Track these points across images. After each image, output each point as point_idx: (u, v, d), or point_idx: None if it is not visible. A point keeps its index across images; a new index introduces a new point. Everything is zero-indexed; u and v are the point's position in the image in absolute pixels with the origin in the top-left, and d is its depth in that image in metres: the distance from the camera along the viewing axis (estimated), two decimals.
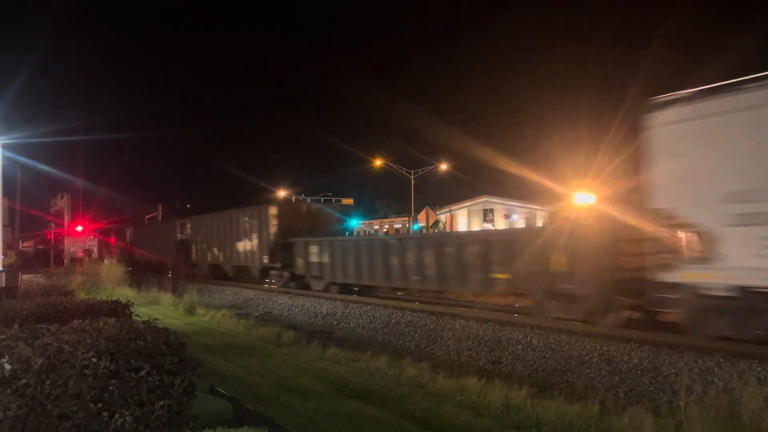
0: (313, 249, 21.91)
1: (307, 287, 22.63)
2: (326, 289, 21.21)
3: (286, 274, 24.08)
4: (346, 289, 21.33)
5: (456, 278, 16.05)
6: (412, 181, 44.50)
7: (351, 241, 21.67)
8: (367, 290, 21.16)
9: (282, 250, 24.12)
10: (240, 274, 28.53)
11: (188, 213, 60.03)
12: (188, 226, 34.09)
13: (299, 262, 22.78)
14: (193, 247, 33.15)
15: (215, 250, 30.42)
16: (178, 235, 34.75)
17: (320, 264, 21.55)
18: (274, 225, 24.78)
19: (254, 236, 26.10)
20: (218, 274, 30.82)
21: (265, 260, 25.17)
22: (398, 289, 20.27)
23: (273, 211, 25.13)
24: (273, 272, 25.15)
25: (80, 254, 52.70)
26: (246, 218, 27.02)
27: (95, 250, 52.32)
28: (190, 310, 19.46)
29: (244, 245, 27.06)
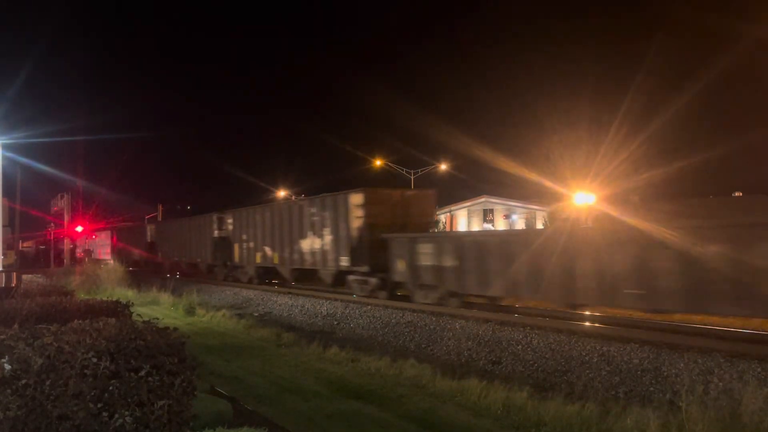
0: (426, 248, 16.79)
1: (405, 298, 18.05)
2: (441, 302, 16.28)
3: (373, 280, 18.82)
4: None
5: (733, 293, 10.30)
6: (412, 181, 44.51)
7: (506, 237, 16.21)
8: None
9: (369, 249, 18.69)
10: (302, 278, 23.86)
11: (188, 214, 59.79)
12: (229, 221, 28.65)
13: (399, 265, 17.64)
14: (236, 246, 27.73)
15: (267, 249, 24.99)
16: (215, 232, 29.53)
17: (437, 269, 16.37)
18: (358, 217, 19.18)
19: (326, 232, 20.81)
20: (269, 279, 26.23)
21: (344, 262, 19.76)
22: (580, 305, 13.81)
23: (357, 199, 19.30)
24: (352, 277, 19.75)
25: (80, 254, 52.59)
26: (314, 210, 21.62)
27: (108, 250, 51.60)
28: (190, 311, 19.47)
29: (311, 243, 21.68)
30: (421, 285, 17.08)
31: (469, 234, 18.85)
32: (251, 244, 26.31)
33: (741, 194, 34.62)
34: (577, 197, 28.02)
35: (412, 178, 44.42)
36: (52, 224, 53.80)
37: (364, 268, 19.00)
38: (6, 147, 23.44)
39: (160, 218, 58.17)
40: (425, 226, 19.78)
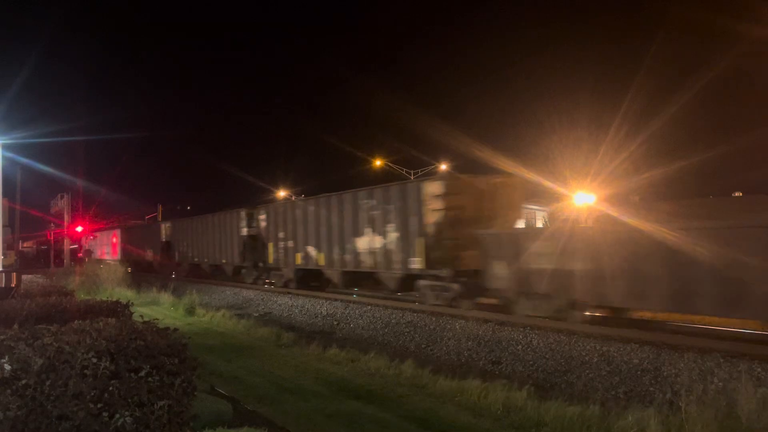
0: (541, 247, 13.42)
1: (498, 309, 14.83)
2: (557, 316, 13.01)
3: (455, 286, 15.65)
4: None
5: None
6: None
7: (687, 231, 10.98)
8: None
9: (450, 248, 15.90)
10: (356, 283, 20.89)
11: (187, 214, 59.50)
12: (261, 217, 25.48)
13: (497, 268, 14.44)
14: (270, 246, 24.64)
15: (310, 249, 21.83)
16: (244, 230, 26.56)
17: (558, 274, 12.95)
18: (435, 210, 16.08)
19: (391, 228, 17.77)
20: (311, 282, 22.79)
21: (415, 264, 16.64)
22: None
23: (434, 188, 16.28)
24: (425, 283, 16.53)
25: (79, 254, 52.57)
26: (374, 202, 18.46)
27: (107, 250, 49.88)
28: (190, 311, 19.48)
29: (370, 242, 18.60)
30: (529, 293, 13.68)
31: (616, 226, 13.89)
32: (290, 244, 23.04)
33: (741, 194, 34.66)
34: (576, 197, 28.02)
35: (412, 177, 44.43)
36: (52, 224, 53.81)
37: (443, 272, 15.83)
38: (6, 147, 23.47)
39: (159, 218, 57.56)
40: (512, 221, 16.56)
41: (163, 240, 37.01)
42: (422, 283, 16.75)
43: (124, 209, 65.73)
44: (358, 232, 19.07)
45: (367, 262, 18.76)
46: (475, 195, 16.33)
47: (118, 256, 47.98)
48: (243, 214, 26.75)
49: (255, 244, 25.78)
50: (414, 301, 17.55)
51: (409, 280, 17.41)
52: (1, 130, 23.20)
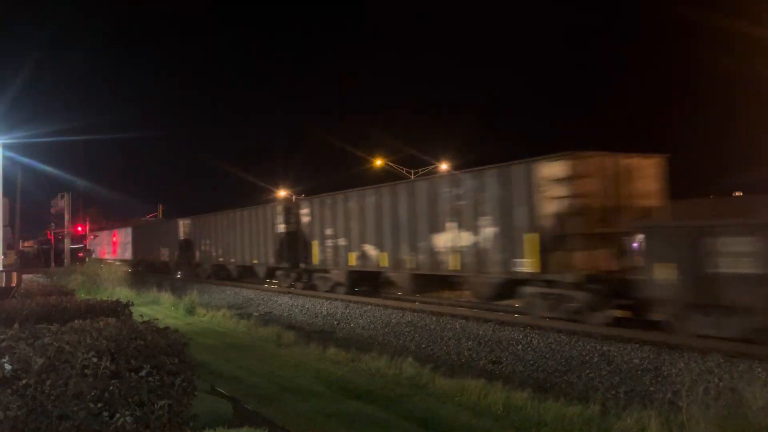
0: (737, 245, 10.23)
1: (639, 325, 12.12)
2: (754, 337, 10.00)
3: (583, 295, 12.50)
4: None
5: None
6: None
7: None
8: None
9: (579, 247, 12.60)
10: (429, 287, 17.68)
11: (188, 214, 59.20)
12: (303, 211, 22.41)
13: (661, 272, 11.13)
14: (314, 244, 21.38)
15: (368, 248, 18.62)
16: (281, 226, 23.46)
17: (763, 280, 9.80)
18: (554, 198, 12.94)
19: (485, 221, 14.59)
20: (365, 286, 20.27)
21: (522, 266, 13.56)
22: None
23: (556, 169, 12.96)
24: (534, 290, 13.59)
25: (80, 254, 52.53)
26: (460, 190, 15.41)
27: (115, 249, 49.07)
28: (191, 310, 19.48)
29: (453, 239, 15.44)
30: (712, 306, 10.51)
31: None
32: (341, 242, 19.99)
33: (741, 194, 34.59)
34: None
35: (412, 177, 44.42)
36: (52, 224, 53.79)
37: (566, 277, 12.60)
38: (6, 147, 23.46)
39: (160, 217, 57.11)
40: (647, 210, 13.41)
41: (182, 238, 33.86)
42: (529, 290, 13.65)
43: (124, 209, 65.77)
44: (436, 227, 15.99)
45: (448, 263, 15.59)
46: (606, 178, 13.13)
47: (117, 256, 46.49)
48: (280, 208, 24.03)
49: (294, 242, 22.80)
50: (513, 313, 14.80)
51: (509, 287, 14.15)
52: (1, 130, 23.21)
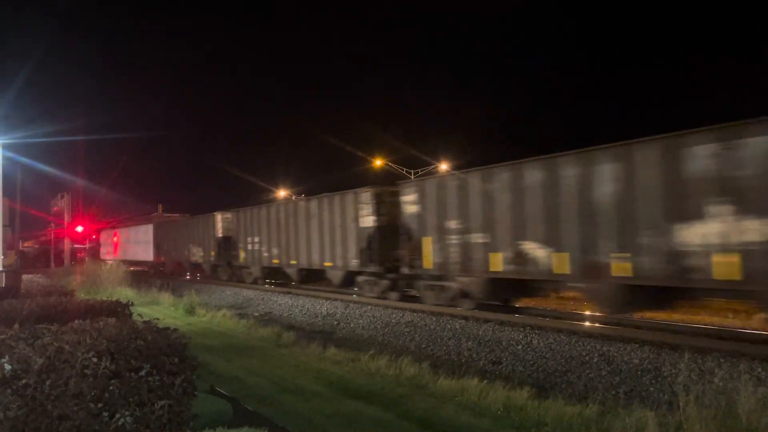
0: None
1: None
2: None
3: None
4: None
5: None
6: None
7: None
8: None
9: None
10: (645, 301, 12.03)
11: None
12: (404, 199, 17.43)
13: None
14: (427, 242, 16.47)
15: (530, 246, 13.45)
16: (368, 219, 18.75)
17: None
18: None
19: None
20: (506, 294, 15.52)
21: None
22: None
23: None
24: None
25: (80, 254, 52.51)
26: (723, 158, 9.87)
27: (108, 249, 47.65)
28: (190, 311, 19.48)
29: (724, 232, 9.89)
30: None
31: None
32: (475, 238, 14.89)
33: None
34: None
35: (412, 178, 44.43)
36: (52, 224, 53.80)
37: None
38: (6, 147, 23.47)
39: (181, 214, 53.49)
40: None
41: (220, 235, 28.98)
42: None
43: (123, 209, 65.76)
44: (685, 214, 10.41)
45: (710, 269, 10.05)
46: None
47: (129, 257, 42.01)
48: (367, 195, 18.84)
49: (389, 239, 18.05)
50: None
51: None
52: (1, 130, 23.22)
